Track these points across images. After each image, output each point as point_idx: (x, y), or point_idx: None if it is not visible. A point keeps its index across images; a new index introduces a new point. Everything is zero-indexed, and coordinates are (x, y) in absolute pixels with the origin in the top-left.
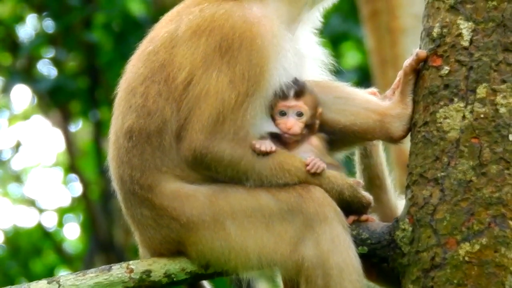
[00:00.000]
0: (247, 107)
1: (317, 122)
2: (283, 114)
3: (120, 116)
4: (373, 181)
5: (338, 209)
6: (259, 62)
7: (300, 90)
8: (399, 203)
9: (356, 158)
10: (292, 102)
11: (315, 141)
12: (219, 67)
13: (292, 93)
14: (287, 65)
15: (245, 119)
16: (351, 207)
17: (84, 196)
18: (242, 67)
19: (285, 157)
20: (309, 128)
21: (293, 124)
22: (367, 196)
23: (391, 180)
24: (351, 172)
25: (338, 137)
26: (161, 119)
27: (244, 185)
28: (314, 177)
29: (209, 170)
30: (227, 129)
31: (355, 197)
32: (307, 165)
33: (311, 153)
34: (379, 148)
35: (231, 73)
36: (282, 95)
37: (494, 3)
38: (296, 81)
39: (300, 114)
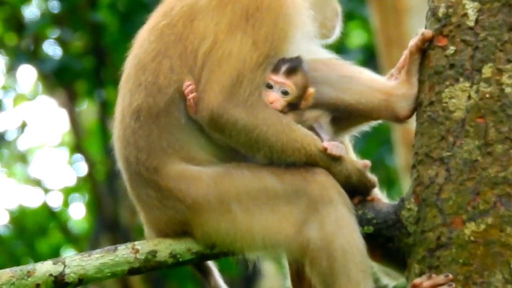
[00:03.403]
0: (266, 68)
1: (304, 103)
2: (269, 86)
3: (128, 95)
4: None
5: (343, 191)
6: (284, 27)
7: (292, 67)
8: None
9: None
10: (280, 78)
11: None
12: (243, 29)
13: (284, 69)
14: (305, 39)
15: (262, 80)
16: (356, 189)
17: (90, 176)
18: (267, 29)
19: (299, 135)
20: (293, 107)
21: (276, 99)
22: (373, 179)
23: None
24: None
25: (342, 116)
26: (171, 94)
27: (249, 164)
28: (322, 160)
29: (223, 133)
30: (244, 90)
31: (362, 181)
32: (326, 148)
33: None
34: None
35: (256, 35)
36: (274, 68)
37: None
38: (292, 58)
39: (285, 92)
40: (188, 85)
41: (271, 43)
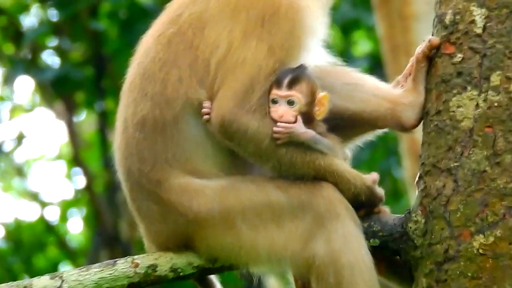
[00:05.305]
0: None
1: (317, 109)
2: (275, 102)
3: (132, 104)
4: None
5: (350, 206)
6: (300, 35)
7: (294, 79)
8: None
9: None
10: (284, 92)
11: None
12: (259, 35)
13: (285, 82)
14: (317, 46)
15: None
16: (363, 204)
17: (88, 188)
18: (283, 35)
19: (309, 148)
20: (307, 117)
21: (284, 112)
22: (380, 193)
23: None
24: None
25: (347, 124)
26: (180, 106)
27: (255, 177)
28: (330, 175)
29: (232, 140)
30: (256, 96)
31: (370, 198)
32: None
33: None
34: None
35: (272, 41)
36: (276, 83)
37: None
38: (293, 69)
39: (291, 102)
40: (206, 108)
41: (287, 50)
